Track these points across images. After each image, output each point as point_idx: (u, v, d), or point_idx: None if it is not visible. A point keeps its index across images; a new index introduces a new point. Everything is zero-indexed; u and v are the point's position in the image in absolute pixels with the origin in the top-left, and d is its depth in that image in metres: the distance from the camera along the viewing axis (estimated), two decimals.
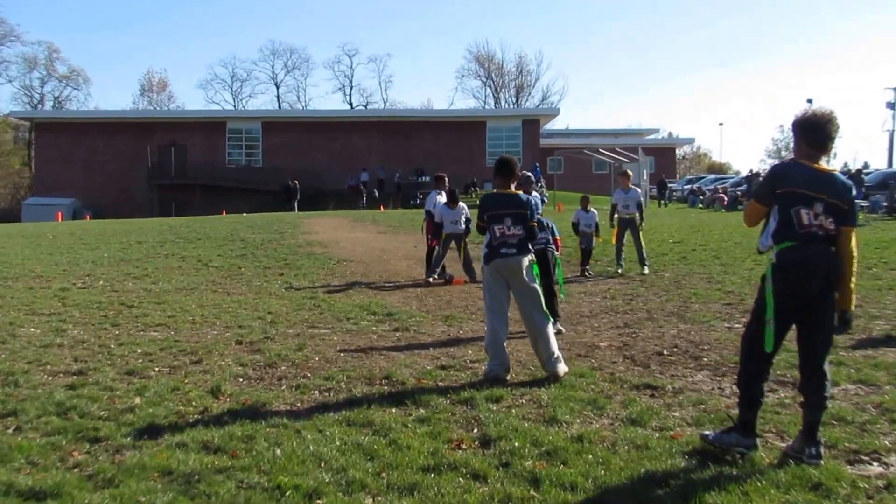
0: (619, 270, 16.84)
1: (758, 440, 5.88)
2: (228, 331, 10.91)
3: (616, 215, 17.40)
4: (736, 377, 6.18)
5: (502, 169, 8.52)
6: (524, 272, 8.22)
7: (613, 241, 17.37)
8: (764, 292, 5.76)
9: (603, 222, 18.18)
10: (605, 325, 11.23)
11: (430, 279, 16.31)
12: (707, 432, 6.03)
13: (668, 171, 74.93)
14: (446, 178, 17.97)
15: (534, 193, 11.98)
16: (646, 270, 16.59)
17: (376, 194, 61.95)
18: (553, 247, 10.75)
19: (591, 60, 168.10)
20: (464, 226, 16.55)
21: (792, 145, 5.95)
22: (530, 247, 8.39)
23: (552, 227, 10.89)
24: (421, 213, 21.24)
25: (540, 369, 8.21)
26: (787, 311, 5.68)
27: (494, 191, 8.64)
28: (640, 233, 17.20)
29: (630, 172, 18.25)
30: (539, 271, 8.61)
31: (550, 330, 8.24)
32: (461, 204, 16.90)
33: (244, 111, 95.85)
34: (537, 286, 8.32)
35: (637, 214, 17.19)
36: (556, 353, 8.11)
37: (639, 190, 18.36)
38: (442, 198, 17.15)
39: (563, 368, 8.06)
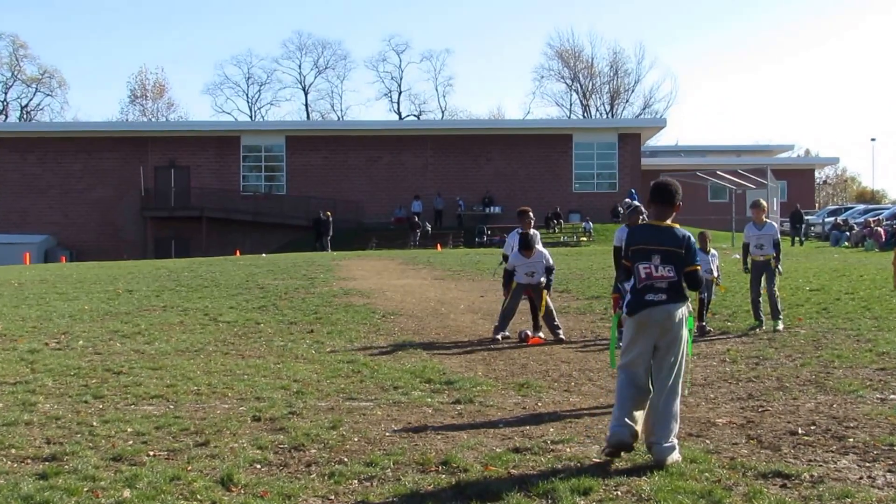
0: (763, 327, 16.82)
1: None
2: (243, 404, 11.04)
3: (749, 257, 17.51)
4: (893, 462, 6.22)
5: (660, 195, 8.48)
6: (676, 326, 8.21)
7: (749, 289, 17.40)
8: None
9: (723, 265, 18.13)
10: (723, 396, 11.23)
11: (499, 336, 16.44)
12: None
13: (804, 199, 74.28)
14: (531, 214, 17.66)
15: None
16: (780, 326, 16.62)
17: (430, 229, 62.21)
18: None
19: (707, 57, 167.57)
20: (542, 278, 16.71)
21: None
22: (686, 293, 8.35)
23: None
24: (493, 254, 21.20)
25: (642, 452, 8.25)
26: None
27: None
28: (777, 279, 17.29)
29: (764, 203, 18.18)
30: None
31: (677, 408, 8.27)
32: (541, 250, 16.98)
33: (263, 123, 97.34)
34: (686, 349, 8.34)
35: (773, 255, 17.28)
36: (673, 439, 8.15)
37: (775, 225, 18.32)
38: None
39: (675, 458, 8.06)
